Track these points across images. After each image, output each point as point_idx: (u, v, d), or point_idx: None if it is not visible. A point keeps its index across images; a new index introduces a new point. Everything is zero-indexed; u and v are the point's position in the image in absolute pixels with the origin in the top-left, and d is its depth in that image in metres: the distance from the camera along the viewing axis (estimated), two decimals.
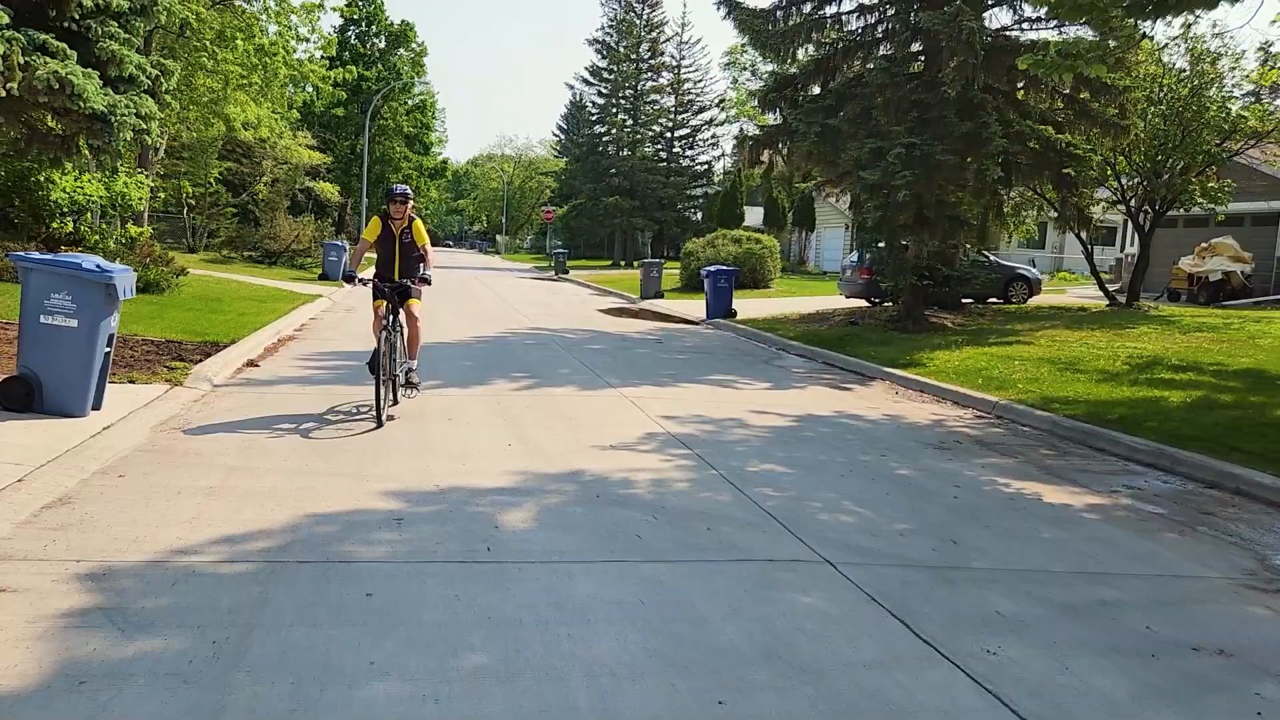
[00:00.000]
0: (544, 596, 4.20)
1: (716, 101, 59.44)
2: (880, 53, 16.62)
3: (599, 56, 56.17)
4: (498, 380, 10.50)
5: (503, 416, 8.38)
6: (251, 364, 10.63)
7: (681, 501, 5.88)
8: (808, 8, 16.37)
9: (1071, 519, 6.05)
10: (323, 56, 28.00)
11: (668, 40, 55.77)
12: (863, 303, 22.24)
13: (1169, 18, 10.85)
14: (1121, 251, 30.69)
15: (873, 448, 7.88)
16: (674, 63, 55.91)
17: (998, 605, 4.42)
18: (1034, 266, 26.81)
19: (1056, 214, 19.41)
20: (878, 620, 4.17)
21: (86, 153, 9.73)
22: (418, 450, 6.83)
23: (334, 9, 32.70)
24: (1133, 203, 21.07)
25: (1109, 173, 20.46)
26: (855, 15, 16.28)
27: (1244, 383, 10.78)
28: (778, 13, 16.47)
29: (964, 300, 21.26)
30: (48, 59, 7.97)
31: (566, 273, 42.64)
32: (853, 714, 3.33)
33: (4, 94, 7.60)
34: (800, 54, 17.39)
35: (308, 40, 24.70)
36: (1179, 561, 5.28)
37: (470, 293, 26.40)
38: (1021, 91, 16.82)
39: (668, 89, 57.25)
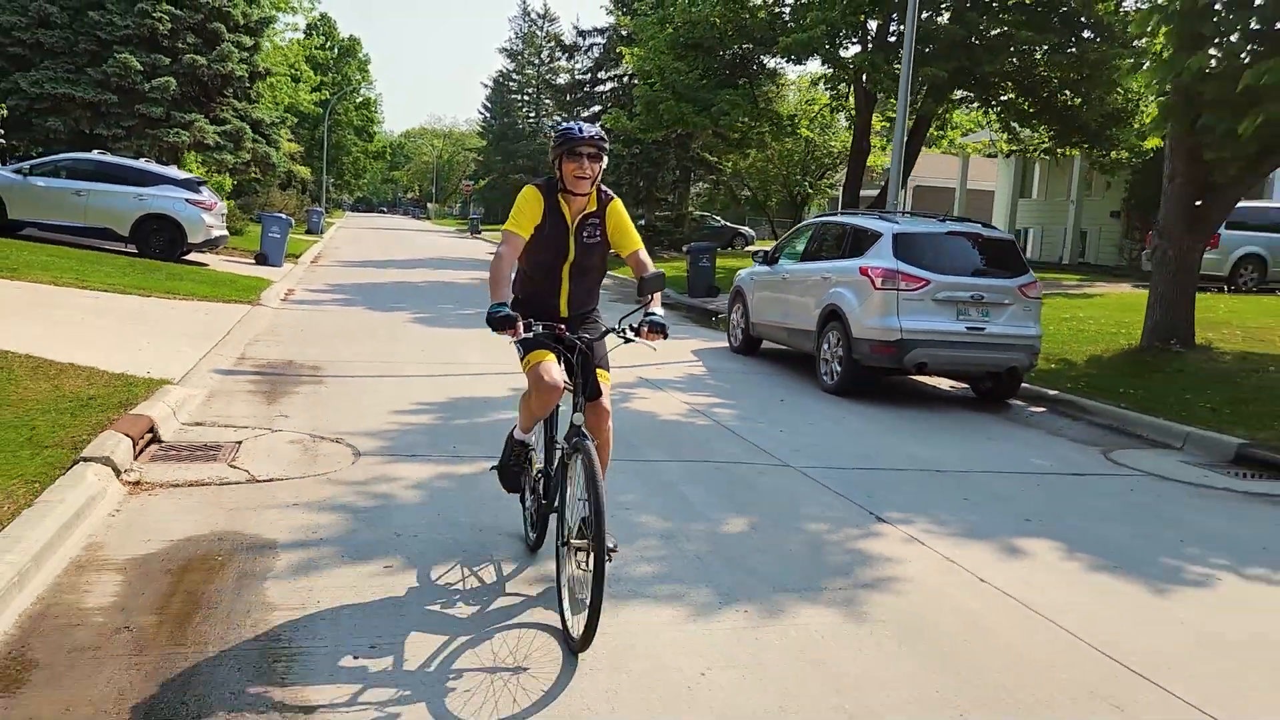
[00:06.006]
0: (382, 270, 19.05)
1: (609, 91, 74.11)
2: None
3: (508, 60, 70.36)
4: (404, 260, 25.21)
5: (417, 260, 23.10)
6: (314, 261, 25.17)
7: (463, 269, 20.69)
8: (585, 90, 31.18)
9: None
10: (309, 86, 41.95)
11: (566, 49, 70.00)
12: None
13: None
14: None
15: None
16: (569, 66, 70.17)
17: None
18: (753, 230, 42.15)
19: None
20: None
21: (259, 171, 24.05)
22: (358, 256, 21.54)
23: (305, 43, 46.48)
24: (791, 193, 36.35)
25: (778, 174, 35.63)
26: (609, 95, 31.16)
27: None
28: (569, 90, 31.24)
29: (700, 245, 36.22)
30: (257, 145, 22.30)
31: (479, 233, 56.98)
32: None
33: (250, 157, 21.97)
34: (586, 111, 32.22)
35: (299, 80, 38.47)
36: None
37: (401, 241, 40.85)
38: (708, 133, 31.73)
39: (566, 84, 71.55)
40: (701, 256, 20.39)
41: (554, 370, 4.08)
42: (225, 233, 19.49)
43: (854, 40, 22.86)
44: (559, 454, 4.19)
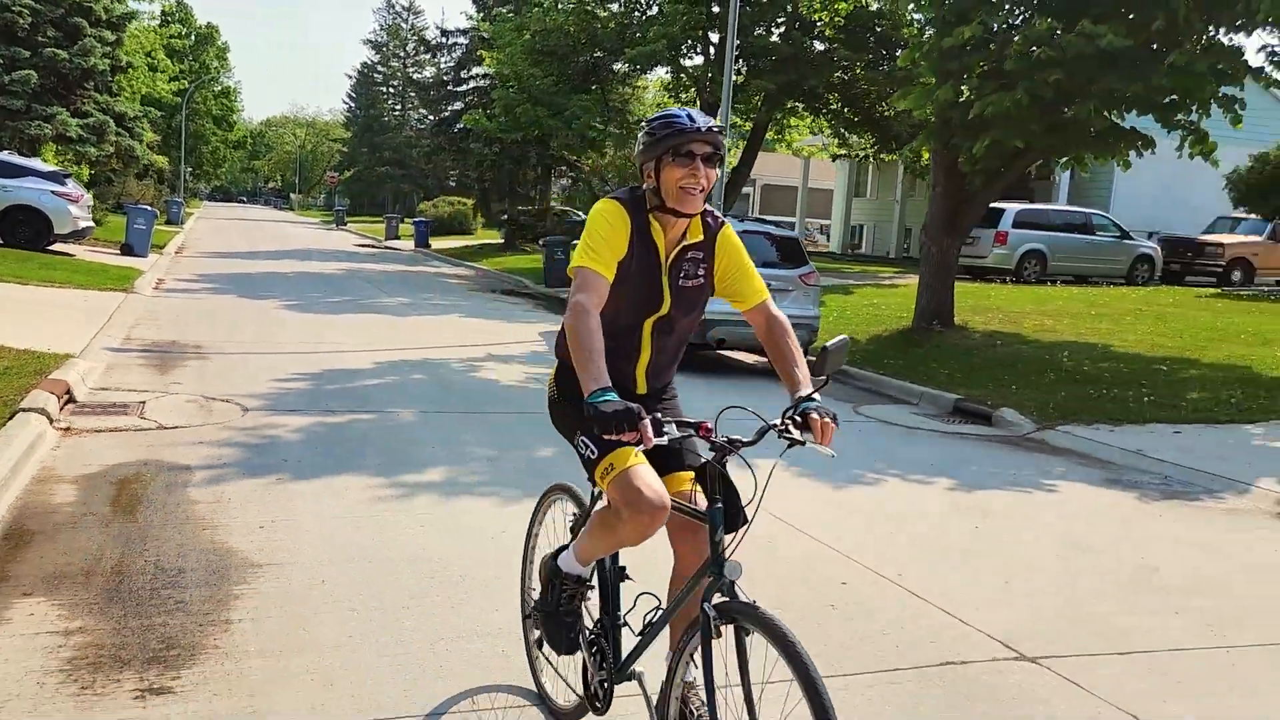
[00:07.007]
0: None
1: (472, 90, 74.93)
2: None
3: (373, 52, 70.40)
4: (270, 250, 26.04)
5: (284, 251, 24.00)
6: (179, 251, 25.69)
7: (330, 260, 21.83)
8: (448, 88, 32.39)
9: (427, 276, 22.43)
10: (167, 76, 41.65)
11: (430, 49, 70.51)
12: None
13: None
14: None
15: (397, 271, 24.02)
16: (435, 61, 70.68)
17: (379, 281, 20.64)
18: None
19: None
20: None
21: (120, 164, 24.36)
22: (224, 247, 22.43)
23: (161, 31, 45.95)
24: None
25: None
26: (471, 94, 32.46)
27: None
28: (433, 87, 32.39)
29: (555, 238, 37.99)
30: (120, 138, 22.78)
31: (345, 225, 57.10)
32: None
33: (113, 150, 22.44)
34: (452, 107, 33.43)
35: (156, 70, 38.26)
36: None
37: (266, 232, 41.08)
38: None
39: (430, 80, 72.04)
40: (557, 249, 22.10)
41: (657, 482, 2.78)
42: (92, 224, 20.08)
43: (698, 52, 24.97)
44: (651, 601, 2.99)
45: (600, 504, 3.07)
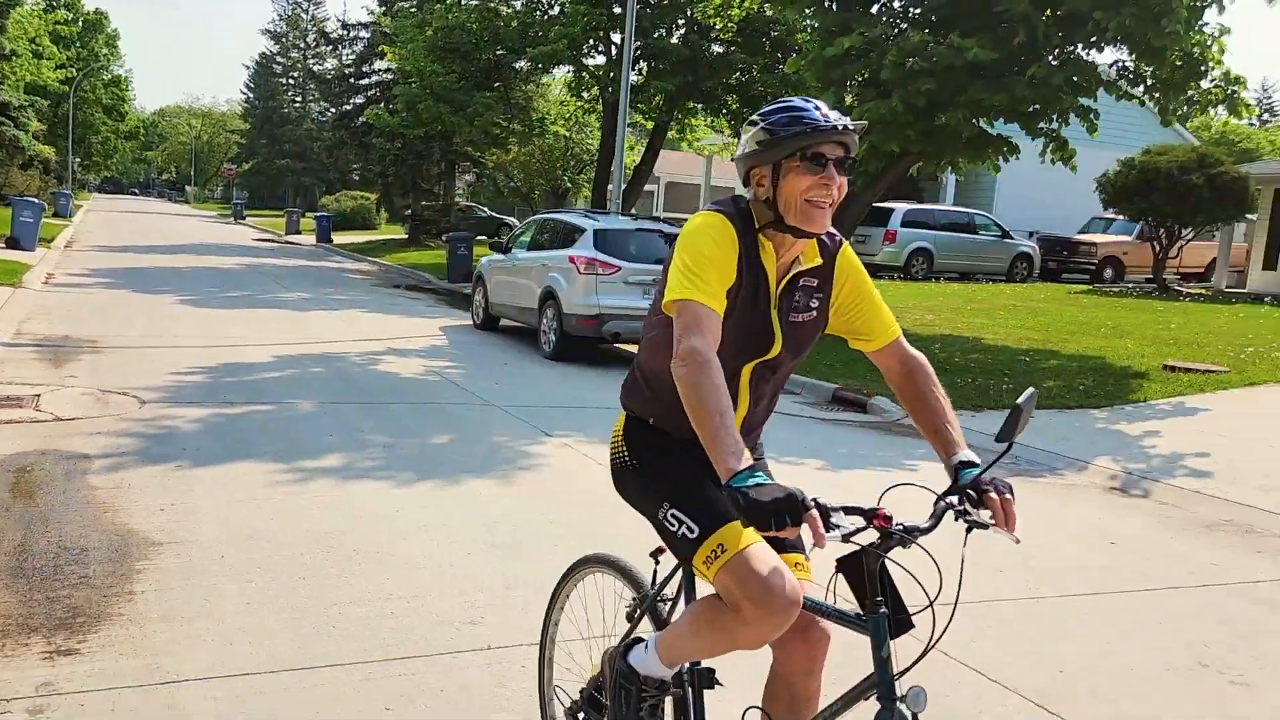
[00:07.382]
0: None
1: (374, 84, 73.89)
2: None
3: (272, 43, 69.02)
4: (164, 245, 25.57)
5: (179, 246, 23.60)
6: (68, 245, 24.99)
7: (227, 255, 21.60)
8: (350, 82, 32.16)
9: (328, 271, 22.39)
10: (53, 64, 40.20)
11: (331, 42, 69.26)
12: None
13: None
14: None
15: (298, 266, 23.88)
16: (337, 52, 69.47)
17: (279, 276, 20.53)
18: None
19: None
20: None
21: (3, 155, 23.59)
22: (116, 241, 22.03)
23: (47, 17, 44.31)
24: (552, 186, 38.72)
25: (540, 168, 37.85)
26: (373, 88, 32.31)
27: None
28: (335, 81, 32.10)
29: (458, 234, 38.00)
30: (4, 128, 22.07)
31: (244, 218, 55.89)
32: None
33: None
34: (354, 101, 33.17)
35: (41, 57, 36.97)
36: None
37: (161, 226, 40.07)
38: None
39: (332, 73, 70.83)
40: (460, 245, 22.31)
41: (785, 568, 2.23)
42: None
43: (600, 52, 25.39)
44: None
45: (672, 582, 2.61)
